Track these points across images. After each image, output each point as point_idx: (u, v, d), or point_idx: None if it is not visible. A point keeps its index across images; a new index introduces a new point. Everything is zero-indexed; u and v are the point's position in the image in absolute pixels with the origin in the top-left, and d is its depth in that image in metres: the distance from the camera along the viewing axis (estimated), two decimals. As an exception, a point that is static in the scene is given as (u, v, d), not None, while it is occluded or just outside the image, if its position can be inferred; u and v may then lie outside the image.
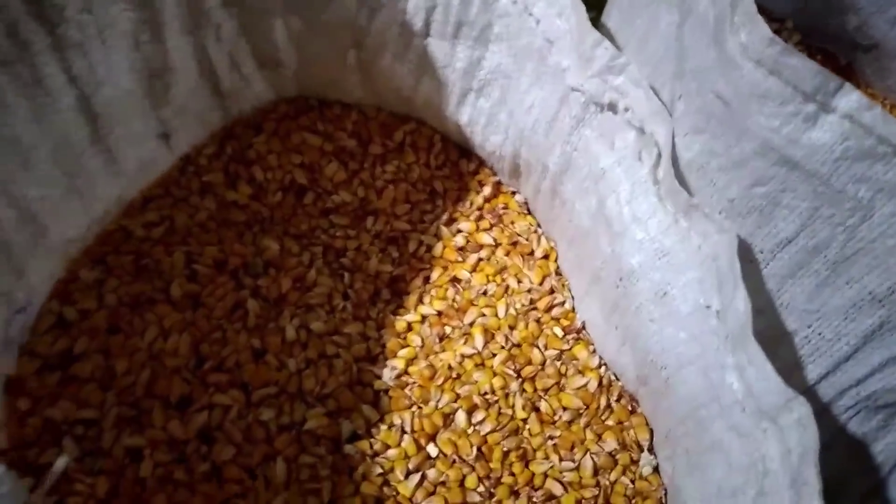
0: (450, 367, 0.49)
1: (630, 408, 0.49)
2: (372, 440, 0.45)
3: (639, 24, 0.47)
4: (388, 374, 0.48)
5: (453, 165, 0.60)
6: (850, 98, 0.32)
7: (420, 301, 0.53)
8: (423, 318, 0.52)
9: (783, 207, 0.36)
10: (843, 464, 0.44)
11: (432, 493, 0.44)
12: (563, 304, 0.53)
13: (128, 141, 0.48)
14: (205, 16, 0.47)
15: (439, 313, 0.52)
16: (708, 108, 0.38)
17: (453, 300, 0.53)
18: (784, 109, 0.34)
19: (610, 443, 0.47)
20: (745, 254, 0.39)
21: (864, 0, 0.59)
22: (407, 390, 0.48)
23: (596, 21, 0.52)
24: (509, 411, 0.48)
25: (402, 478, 0.44)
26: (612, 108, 0.44)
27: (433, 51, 0.51)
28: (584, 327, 0.52)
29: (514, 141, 0.53)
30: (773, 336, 0.40)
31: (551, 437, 0.48)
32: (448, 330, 0.51)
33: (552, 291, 0.54)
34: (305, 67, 0.55)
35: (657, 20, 0.44)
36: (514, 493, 0.45)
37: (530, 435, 0.47)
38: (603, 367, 0.51)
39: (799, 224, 0.36)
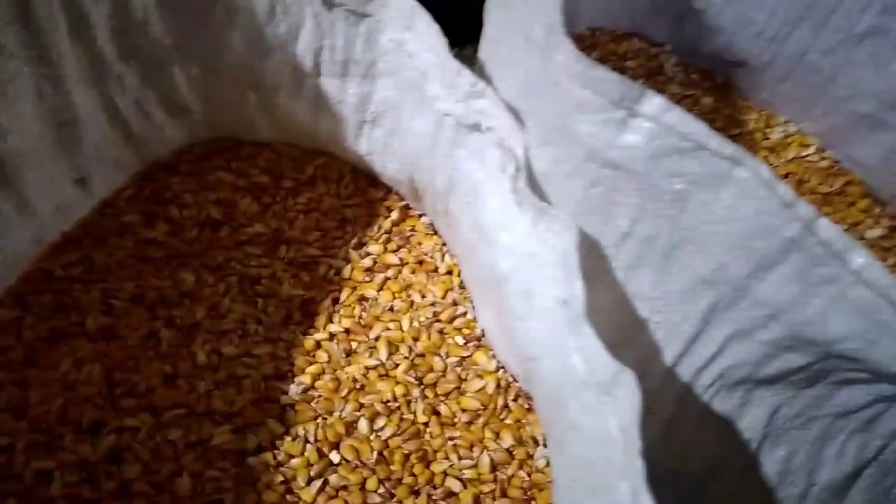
0: (354, 380, 0.52)
1: (527, 406, 0.53)
2: (276, 451, 0.48)
3: (503, 53, 0.51)
4: (294, 390, 0.51)
5: (363, 193, 0.64)
6: (652, 102, 0.37)
7: (329, 320, 0.56)
8: (331, 335, 0.55)
9: (617, 205, 0.40)
10: (717, 442, 0.47)
11: (334, 497, 0.47)
12: (464, 314, 0.57)
13: (41, 187, 0.52)
14: (106, 68, 0.51)
15: (347, 331, 0.55)
16: (548, 122, 0.42)
17: (360, 317, 0.56)
18: (598, 117, 0.38)
19: (507, 440, 0.50)
20: (595, 249, 0.43)
21: (728, 21, 0.65)
22: (312, 403, 0.51)
23: (474, 52, 0.57)
24: (411, 416, 0.51)
25: (303, 484, 0.47)
26: (478, 128, 0.48)
27: (326, 88, 0.56)
28: (483, 335, 0.56)
29: (407, 166, 0.57)
30: (630, 324, 0.44)
31: (451, 438, 0.50)
32: (354, 345, 0.55)
33: (454, 304, 0.58)
34: (212, 111, 0.60)
35: (513, 48, 0.49)
36: (415, 493, 0.48)
37: (431, 437, 0.50)
38: (501, 371, 0.54)
39: (632, 219, 0.40)
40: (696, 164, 0.37)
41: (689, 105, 0.68)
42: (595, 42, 0.69)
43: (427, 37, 0.48)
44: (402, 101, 0.54)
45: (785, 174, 0.68)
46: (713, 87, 0.70)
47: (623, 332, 0.46)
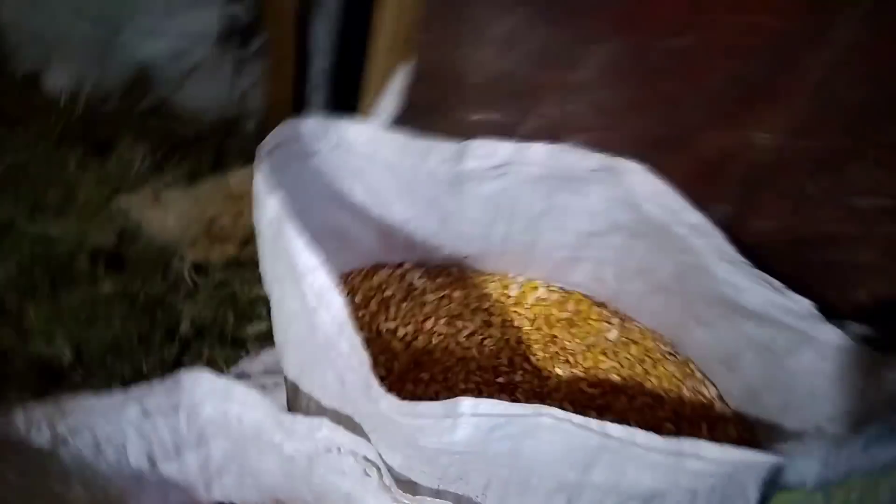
0: None
1: None
2: None
3: (313, 376, 0.60)
4: None
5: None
6: (465, 404, 0.49)
7: None
8: None
9: (470, 474, 0.52)
10: None
11: None
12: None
13: None
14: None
15: None
16: (391, 436, 0.52)
17: None
18: (432, 429, 0.49)
19: None
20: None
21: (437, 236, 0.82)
22: None
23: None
24: None
25: None
26: (329, 450, 0.56)
27: (168, 476, 0.59)
28: None
29: (268, 496, 0.62)
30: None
31: None
32: None
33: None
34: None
35: (324, 371, 0.58)
36: None
37: None
38: None
39: (484, 483, 0.52)
40: (514, 428, 0.49)
41: (447, 302, 0.83)
42: (353, 286, 0.81)
43: (250, 403, 0.56)
44: (244, 450, 0.59)
45: (534, 316, 0.86)
46: (447, 280, 0.86)
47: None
